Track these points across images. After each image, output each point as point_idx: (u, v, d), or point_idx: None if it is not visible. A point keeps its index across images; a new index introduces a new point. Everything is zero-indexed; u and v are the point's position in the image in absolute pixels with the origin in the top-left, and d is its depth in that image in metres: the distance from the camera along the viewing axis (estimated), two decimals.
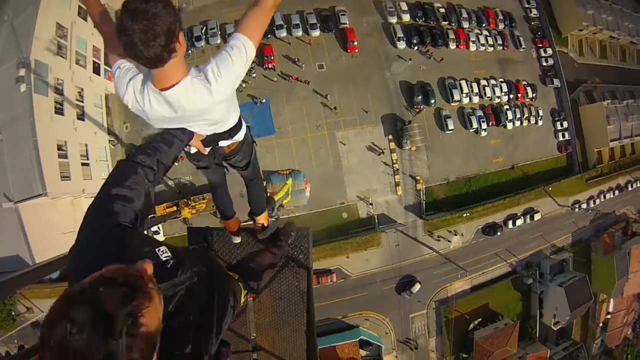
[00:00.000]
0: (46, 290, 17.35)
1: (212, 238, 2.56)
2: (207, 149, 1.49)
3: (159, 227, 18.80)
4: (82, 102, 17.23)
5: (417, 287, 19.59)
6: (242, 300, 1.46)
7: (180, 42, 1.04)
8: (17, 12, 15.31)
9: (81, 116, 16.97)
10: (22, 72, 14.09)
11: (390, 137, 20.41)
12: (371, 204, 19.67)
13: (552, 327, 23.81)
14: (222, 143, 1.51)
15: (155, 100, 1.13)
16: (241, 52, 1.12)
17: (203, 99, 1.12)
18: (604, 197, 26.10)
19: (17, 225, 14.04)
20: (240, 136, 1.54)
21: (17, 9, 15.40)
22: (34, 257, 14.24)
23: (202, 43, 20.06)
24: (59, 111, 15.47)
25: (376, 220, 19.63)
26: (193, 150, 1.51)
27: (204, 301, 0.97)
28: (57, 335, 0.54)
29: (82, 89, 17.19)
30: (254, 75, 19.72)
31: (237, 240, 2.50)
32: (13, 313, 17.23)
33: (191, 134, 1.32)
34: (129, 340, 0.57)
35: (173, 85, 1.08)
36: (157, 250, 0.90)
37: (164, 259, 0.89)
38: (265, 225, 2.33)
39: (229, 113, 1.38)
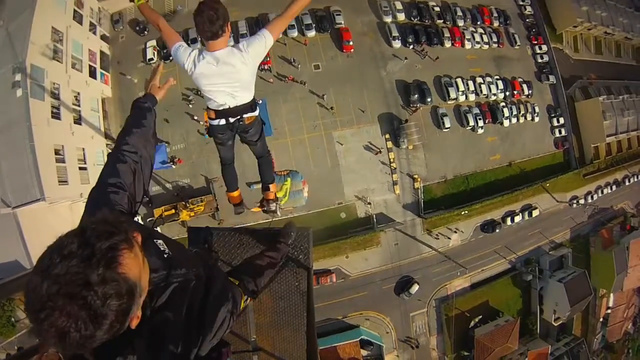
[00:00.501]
0: None
1: (212, 239, 2.55)
2: (233, 120, 2.06)
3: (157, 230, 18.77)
4: (79, 106, 17.19)
5: (415, 287, 19.61)
6: (242, 305, 1.50)
7: (228, 27, 1.78)
8: (12, 16, 15.23)
9: (78, 120, 16.92)
10: (18, 76, 14.05)
11: (387, 136, 20.44)
12: (369, 203, 19.68)
13: (553, 323, 23.87)
14: (245, 115, 2.07)
15: (207, 59, 1.82)
16: (262, 39, 1.84)
17: (235, 58, 1.82)
18: (602, 192, 26.20)
19: (15, 231, 13.98)
20: (256, 112, 2.15)
21: (12, 13, 15.34)
22: (33, 262, 14.16)
23: (198, 45, 19.80)
24: (56, 116, 15.44)
25: (375, 220, 19.63)
26: (216, 122, 2.10)
27: (198, 303, 1.00)
28: (43, 262, 0.60)
29: (78, 93, 17.15)
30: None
31: (240, 211, 3.04)
32: (13, 319, 17.15)
33: (154, 101, 1.62)
34: (106, 272, 0.61)
35: (220, 49, 1.81)
36: (155, 240, 0.95)
37: (161, 248, 0.94)
38: (277, 196, 2.97)
39: (249, 85, 2.00)
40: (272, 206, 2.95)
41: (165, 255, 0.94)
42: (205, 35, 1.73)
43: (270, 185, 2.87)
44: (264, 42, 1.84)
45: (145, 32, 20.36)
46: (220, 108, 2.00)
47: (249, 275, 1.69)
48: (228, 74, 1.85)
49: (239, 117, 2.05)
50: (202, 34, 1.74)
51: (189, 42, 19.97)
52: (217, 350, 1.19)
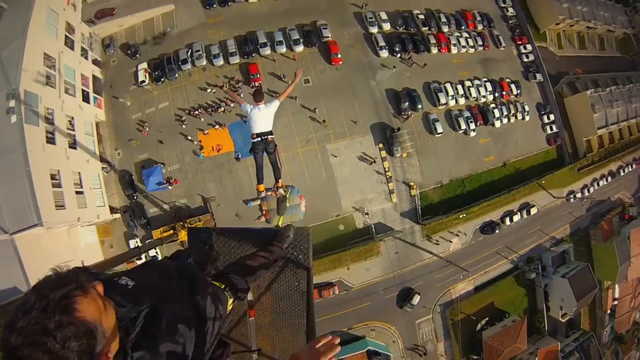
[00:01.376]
0: None
1: (212, 239, 2.57)
2: (263, 138, 4.29)
3: (156, 251, 18.72)
4: (73, 130, 17.27)
5: (416, 298, 19.53)
6: (229, 308, 1.54)
7: (264, 96, 4.39)
8: (4, 43, 15.45)
9: (73, 145, 16.99)
10: (12, 103, 14.17)
11: (381, 145, 20.59)
12: (367, 213, 19.71)
13: (560, 319, 23.70)
14: (269, 136, 4.33)
15: (256, 108, 4.31)
16: (276, 103, 4.39)
17: (266, 108, 4.29)
18: (598, 184, 26.37)
19: (14, 257, 13.85)
20: (273, 135, 4.43)
21: (3, 40, 15.56)
22: None
23: (189, 66, 20.34)
24: (51, 140, 15.53)
25: (373, 230, 19.64)
26: (256, 140, 4.26)
27: (174, 320, 1.04)
28: (10, 319, 0.70)
29: (72, 118, 17.25)
30: (242, 95, 19.97)
31: (263, 194, 5.36)
32: None
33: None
34: (62, 318, 0.69)
35: (261, 104, 4.32)
36: (118, 279, 1.03)
37: (123, 283, 1.01)
38: (284, 194, 5.80)
39: (271, 121, 4.35)
40: (281, 190, 5.30)
41: (130, 287, 0.99)
42: (257, 99, 4.30)
43: (279, 180, 5.06)
44: (277, 104, 4.37)
45: (137, 55, 20.64)
46: (258, 131, 4.33)
47: (239, 274, 1.75)
48: (264, 115, 4.26)
49: (266, 137, 4.36)
50: (256, 100, 4.30)
51: (180, 63, 20.37)
52: (218, 350, 1.24)
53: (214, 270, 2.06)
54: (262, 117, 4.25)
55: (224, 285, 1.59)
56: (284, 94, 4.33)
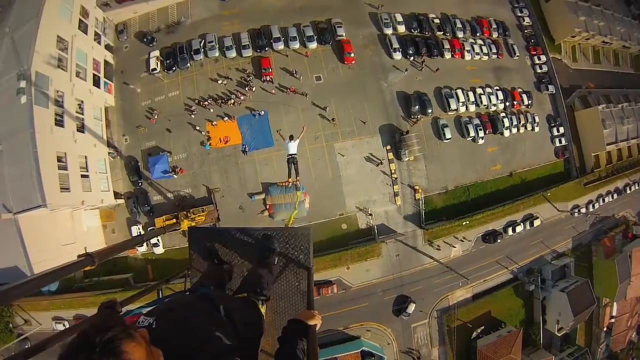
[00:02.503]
0: (44, 303, 17.26)
1: (218, 252, 2.58)
2: (293, 156, 9.45)
3: (158, 240, 18.78)
4: (82, 114, 17.35)
5: (412, 307, 19.53)
6: (263, 310, 1.69)
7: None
8: (18, 25, 15.56)
9: (81, 128, 17.07)
10: (22, 84, 14.26)
11: (388, 147, 20.52)
12: (370, 214, 19.68)
13: (556, 333, 23.65)
14: (295, 154, 9.54)
15: (291, 141, 9.28)
16: (297, 140, 9.27)
17: (295, 142, 9.22)
18: (603, 200, 26.17)
19: (16, 237, 13.99)
20: (297, 154, 9.68)
21: (18, 21, 15.66)
22: (32, 268, 14.18)
23: (201, 56, 20.33)
24: (59, 123, 15.62)
25: (376, 231, 19.63)
26: (290, 157, 9.42)
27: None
28: None
29: (82, 102, 17.33)
30: (253, 89, 19.94)
31: (290, 184, 11.26)
32: (11, 325, 17.12)
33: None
34: (109, 358, 0.74)
35: (293, 141, 9.25)
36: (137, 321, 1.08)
37: (145, 324, 1.05)
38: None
39: (296, 148, 9.41)
40: (298, 183, 10.54)
41: (153, 327, 1.04)
42: (291, 139, 9.09)
43: (298, 177, 9.84)
44: (298, 140, 9.06)
45: (154, 42, 20.59)
46: (291, 153, 9.17)
47: (253, 284, 1.92)
48: (293, 145, 9.06)
49: (294, 155, 9.31)
50: (290, 138, 9.10)
51: (192, 53, 20.33)
52: None
53: (230, 286, 2.22)
54: (293, 146, 8.96)
55: (245, 294, 1.71)
56: (299, 136, 8.89)
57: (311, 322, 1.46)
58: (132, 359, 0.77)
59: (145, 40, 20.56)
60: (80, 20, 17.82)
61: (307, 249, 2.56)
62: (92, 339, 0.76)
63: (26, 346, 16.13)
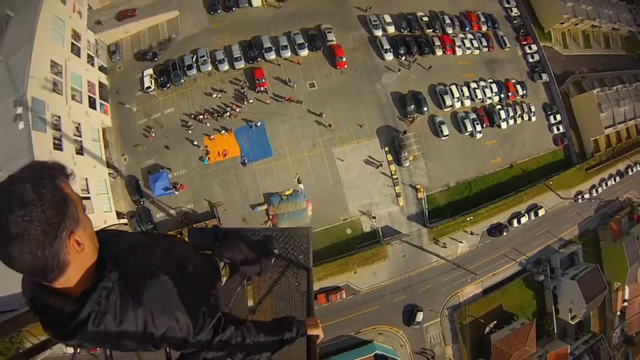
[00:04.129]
0: None
1: (221, 235, 2.55)
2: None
3: None
4: (80, 137, 17.40)
5: (420, 315, 19.39)
6: (225, 273, 1.66)
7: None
8: (12, 51, 15.65)
9: (80, 151, 17.13)
10: (19, 109, 14.31)
11: (387, 148, 20.51)
12: (374, 217, 19.63)
13: (570, 321, 23.42)
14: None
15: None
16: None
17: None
18: (606, 184, 26.05)
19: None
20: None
21: (11, 48, 15.77)
22: None
23: (194, 71, 20.42)
24: (58, 147, 15.65)
25: (380, 233, 19.57)
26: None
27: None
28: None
29: (79, 124, 17.38)
30: (250, 101, 19.98)
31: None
32: (21, 350, 17.06)
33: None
34: (44, 181, 0.78)
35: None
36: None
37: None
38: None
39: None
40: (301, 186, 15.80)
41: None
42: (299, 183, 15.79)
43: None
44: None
45: (157, 58, 20.62)
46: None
47: (230, 252, 1.88)
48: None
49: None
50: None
51: (185, 68, 20.41)
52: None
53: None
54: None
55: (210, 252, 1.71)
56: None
57: (313, 332, 1.41)
58: (63, 188, 0.79)
59: (147, 57, 20.58)
60: (72, 43, 17.94)
61: (306, 250, 2.53)
62: (30, 171, 0.79)
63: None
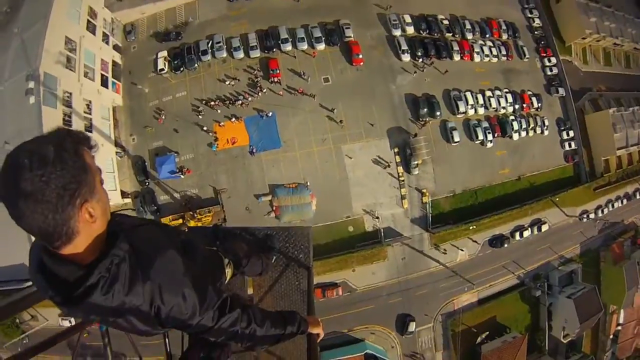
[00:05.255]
0: None
1: (221, 234, 2.59)
2: None
3: None
4: (90, 114, 17.50)
5: (412, 325, 19.41)
6: (229, 270, 1.66)
7: None
8: (27, 25, 15.70)
9: (89, 128, 17.17)
10: (31, 84, 14.38)
11: (396, 149, 20.37)
12: (377, 217, 19.59)
13: (562, 339, 23.39)
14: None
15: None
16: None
17: None
18: (612, 206, 25.74)
19: (25, 237, 14.14)
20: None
21: (26, 22, 15.81)
22: None
23: (209, 57, 20.32)
24: (67, 123, 15.70)
25: (382, 234, 19.54)
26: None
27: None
28: None
29: (90, 102, 17.46)
30: (263, 91, 19.86)
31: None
32: (17, 321, 17.34)
33: None
34: (66, 145, 0.77)
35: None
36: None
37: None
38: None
39: None
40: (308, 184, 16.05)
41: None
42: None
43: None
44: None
45: (180, 37, 20.45)
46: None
47: (234, 250, 1.92)
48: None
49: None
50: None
51: (200, 53, 20.30)
52: (219, 350, 1.26)
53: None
54: None
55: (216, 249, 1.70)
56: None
57: (314, 330, 1.40)
58: (85, 157, 0.79)
59: (170, 37, 20.46)
60: (88, 21, 17.92)
61: (307, 248, 2.55)
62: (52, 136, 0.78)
63: (24, 341, 16.26)
